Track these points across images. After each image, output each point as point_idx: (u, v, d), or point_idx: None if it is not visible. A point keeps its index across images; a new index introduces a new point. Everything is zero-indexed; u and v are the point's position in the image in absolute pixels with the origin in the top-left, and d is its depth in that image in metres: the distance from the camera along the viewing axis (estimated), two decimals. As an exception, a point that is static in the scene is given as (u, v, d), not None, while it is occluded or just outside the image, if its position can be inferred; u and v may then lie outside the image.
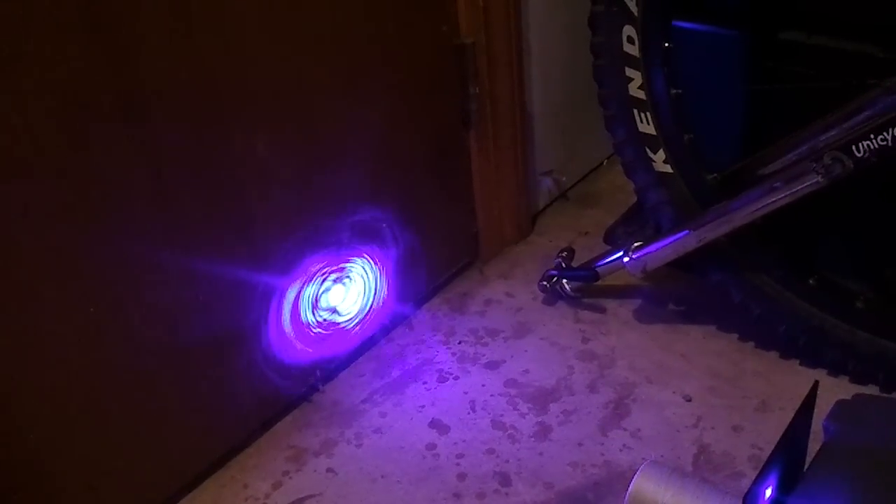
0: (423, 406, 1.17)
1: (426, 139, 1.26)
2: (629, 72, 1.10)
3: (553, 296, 1.33)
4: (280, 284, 1.09)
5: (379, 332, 1.28)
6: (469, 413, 1.15)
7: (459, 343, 1.27)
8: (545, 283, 1.31)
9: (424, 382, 1.21)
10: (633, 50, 1.08)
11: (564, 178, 1.52)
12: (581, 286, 1.30)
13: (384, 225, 1.23)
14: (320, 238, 1.13)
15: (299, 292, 1.12)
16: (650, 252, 1.16)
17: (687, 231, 1.12)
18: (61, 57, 0.81)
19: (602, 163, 1.64)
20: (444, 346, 1.27)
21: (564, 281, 1.30)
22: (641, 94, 1.10)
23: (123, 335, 0.93)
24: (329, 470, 1.08)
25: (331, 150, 1.11)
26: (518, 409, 1.15)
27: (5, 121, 0.78)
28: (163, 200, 0.93)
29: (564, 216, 1.53)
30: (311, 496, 1.05)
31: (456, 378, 1.21)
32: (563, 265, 1.32)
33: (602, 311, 1.31)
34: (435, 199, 1.31)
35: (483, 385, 1.19)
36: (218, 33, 0.93)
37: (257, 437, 1.13)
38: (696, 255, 1.15)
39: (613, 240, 1.38)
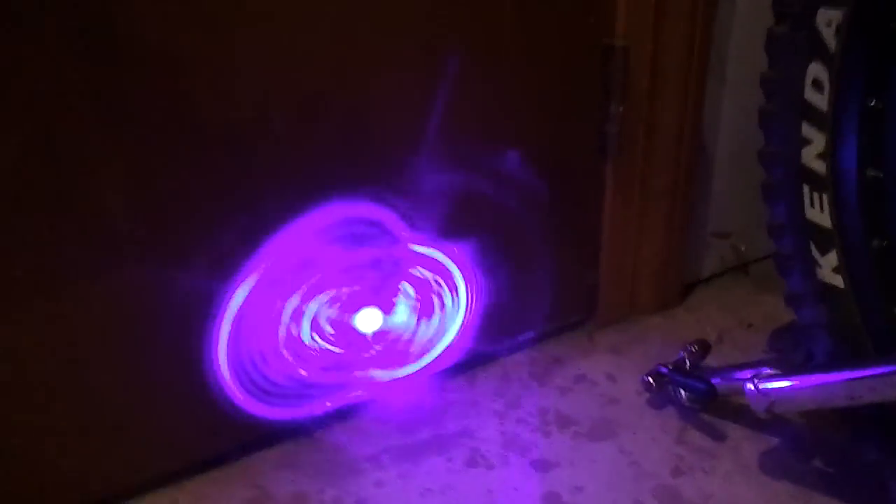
0: (429, 490, 0.91)
1: (546, 159, 0.98)
2: (807, 130, 0.74)
3: (662, 398, 1.00)
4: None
5: (431, 376, 1.03)
6: (479, 520, 0.88)
7: (517, 421, 0.99)
8: (650, 379, 0.98)
9: (449, 459, 0.95)
10: (818, 100, 0.73)
11: (745, 248, 1.15)
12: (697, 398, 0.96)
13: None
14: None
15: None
16: (781, 389, 0.80)
17: (840, 377, 0.75)
18: None
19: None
20: (497, 419, 0.99)
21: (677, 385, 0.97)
22: (819, 167, 0.75)
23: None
24: (280, 533, 0.87)
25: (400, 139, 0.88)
26: (542, 539, 0.86)
27: None
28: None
29: (732, 296, 1.17)
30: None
31: (489, 467, 0.94)
32: (685, 363, 0.98)
33: (720, 438, 0.96)
34: (546, 231, 1.02)
35: (515, 489, 0.91)
36: None
37: (231, 461, 0.95)
38: (851, 415, 0.78)
39: (781, 347, 1.01)
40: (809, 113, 0.73)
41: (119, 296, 0.79)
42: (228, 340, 0.83)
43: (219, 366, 0.84)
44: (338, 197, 0.87)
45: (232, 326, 0.83)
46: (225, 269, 0.84)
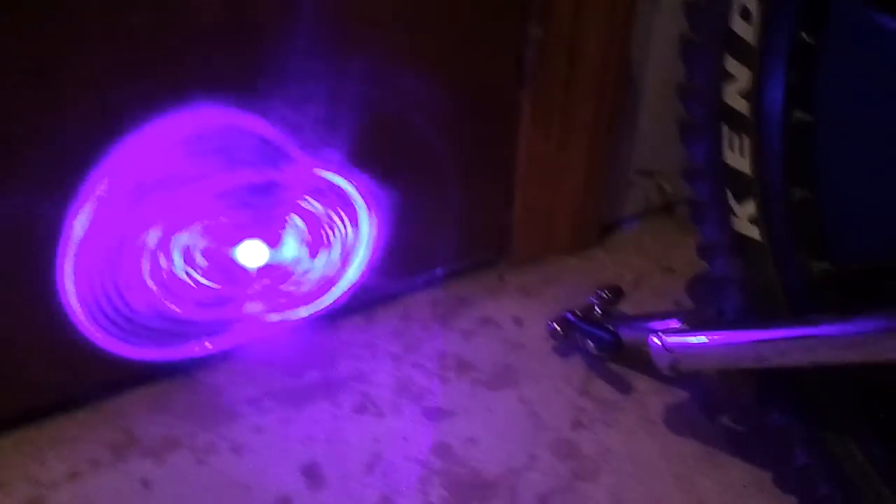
0: (311, 438, 0.84)
1: (457, 82, 0.89)
2: (731, 64, 0.66)
3: (569, 345, 0.94)
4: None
5: (324, 314, 0.95)
6: (363, 474, 0.81)
7: (413, 366, 0.92)
8: (556, 326, 0.92)
9: (337, 404, 0.88)
10: (745, 30, 0.64)
11: (671, 188, 1.08)
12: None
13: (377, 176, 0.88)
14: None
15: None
16: (686, 345, 0.74)
17: (750, 336, 0.69)
18: None
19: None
20: (392, 363, 0.92)
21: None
22: (742, 106, 0.67)
23: None
24: (144, 481, 0.80)
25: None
26: (428, 496, 0.80)
27: None
28: None
29: (653, 237, 1.10)
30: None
31: (378, 414, 0.87)
32: (594, 309, 0.92)
33: (625, 390, 0.90)
34: (456, 161, 0.94)
35: (405, 438, 0.85)
36: None
37: (97, 401, 0.87)
38: (760, 374, 0.73)
39: (699, 295, 0.95)
40: (735, 45, 0.65)
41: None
42: (76, 270, 0.73)
43: (67, 299, 0.74)
44: (210, 99, 0.76)
45: (78, 254, 0.73)
46: (65, 184, 0.72)
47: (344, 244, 0.90)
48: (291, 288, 0.89)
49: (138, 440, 0.83)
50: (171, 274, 0.82)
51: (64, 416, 0.85)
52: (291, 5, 0.76)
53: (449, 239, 0.99)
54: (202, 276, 0.84)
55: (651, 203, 1.11)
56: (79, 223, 0.72)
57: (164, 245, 0.80)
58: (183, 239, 0.81)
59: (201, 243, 0.82)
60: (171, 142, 0.75)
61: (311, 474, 0.81)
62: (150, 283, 0.80)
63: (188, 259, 0.82)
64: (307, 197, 0.85)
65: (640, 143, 1.04)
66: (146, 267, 0.79)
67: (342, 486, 0.80)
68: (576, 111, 0.95)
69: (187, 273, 0.83)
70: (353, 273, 0.90)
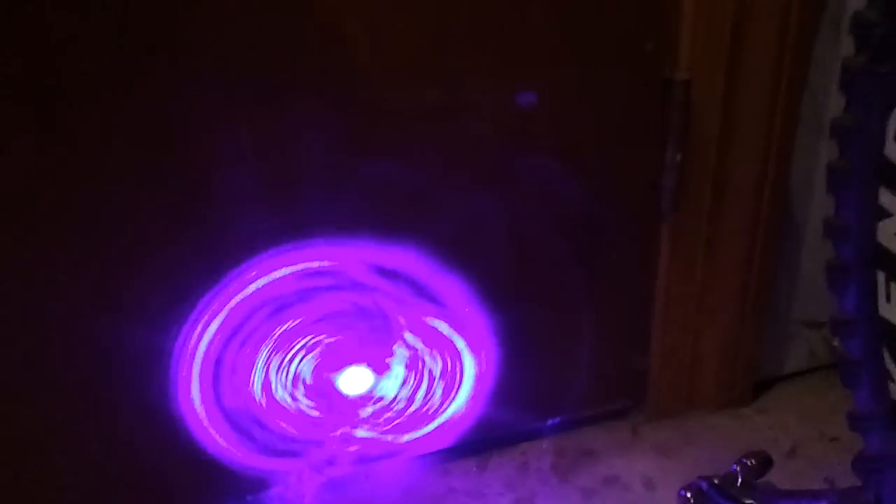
0: None
1: (587, 210, 0.82)
2: (886, 198, 0.55)
3: (705, 518, 0.80)
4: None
5: (437, 453, 0.88)
6: None
7: (523, 524, 0.82)
8: (689, 496, 0.79)
9: (430, 561, 0.79)
10: (906, 157, 0.54)
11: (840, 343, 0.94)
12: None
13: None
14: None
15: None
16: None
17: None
18: None
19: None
20: (501, 519, 0.83)
21: (720, 506, 0.77)
22: (904, 247, 0.55)
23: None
24: None
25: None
26: None
27: None
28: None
29: (818, 399, 0.95)
30: None
31: (476, 576, 0.77)
32: (736, 479, 0.78)
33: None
34: (585, 298, 0.86)
35: None
36: None
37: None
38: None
39: (865, 474, 0.80)
40: (891, 175, 0.54)
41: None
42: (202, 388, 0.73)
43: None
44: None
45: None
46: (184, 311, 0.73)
47: (451, 378, 0.83)
48: (395, 419, 0.83)
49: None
50: (272, 394, 0.78)
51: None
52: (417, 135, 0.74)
53: (574, 382, 0.89)
54: (305, 398, 0.80)
55: (817, 359, 0.96)
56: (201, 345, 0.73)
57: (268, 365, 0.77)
58: (286, 360, 0.78)
59: (306, 366, 0.79)
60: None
61: None
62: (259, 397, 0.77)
63: (294, 381, 0.79)
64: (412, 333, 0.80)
65: (804, 289, 0.91)
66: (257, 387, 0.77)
67: None
68: (723, 248, 0.84)
69: (290, 395, 0.79)
70: (458, 409, 0.83)
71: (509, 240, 0.81)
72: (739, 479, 0.79)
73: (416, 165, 0.74)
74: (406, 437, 0.83)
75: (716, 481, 0.79)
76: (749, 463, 0.80)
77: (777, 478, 0.83)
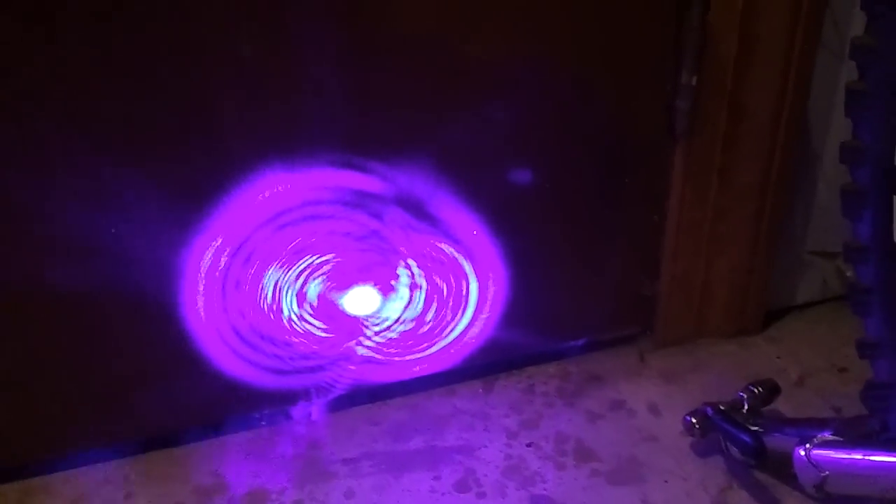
0: (403, 510, 0.77)
1: (599, 132, 0.80)
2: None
3: (709, 443, 0.81)
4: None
5: (443, 374, 0.88)
6: (448, 558, 0.73)
7: (528, 445, 0.83)
8: (693, 421, 0.79)
9: (436, 477, 0.80)
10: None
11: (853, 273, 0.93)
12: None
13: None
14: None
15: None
16: (836, 461, 0.60)
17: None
18: None
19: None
20: (505, 439, 0.83)
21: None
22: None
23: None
24: (221, 535, 0.75)
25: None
26: None
27: None
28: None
29: (829, 329, 0.94)
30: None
31: (480, 495, 0.78)
32: (742, 406, 0.79)
33: (774, 506, 0.76)
34: (595, 222, 0.85)
35: (503, 527, 0.75)
36: None
37: (200, 438, 0.84)
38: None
39: (873, 402, 0.79)
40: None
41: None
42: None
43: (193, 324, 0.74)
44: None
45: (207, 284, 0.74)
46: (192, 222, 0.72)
47: (457, 300, 0.83)
48: (401, 340, 0.84)
49: (226, 487, 0.79)
50: (279, 312, 0.79)
51: (160, 451, 0.83)
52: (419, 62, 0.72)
53: (584, 308, 0.89)
54: (312, 318, 0.80)
55: (830, 290, 0.96)
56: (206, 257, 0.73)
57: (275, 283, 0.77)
58: (293, 278, 0.78)
59: (313, 285, 0.79)
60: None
61: (394, 552, 0.73)
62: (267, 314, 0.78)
63: (300, 299, 0.79)
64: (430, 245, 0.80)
65: (818, 217, 0.90)
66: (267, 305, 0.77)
67: (424, 570, 0.72)
68: (737, 174, 0.83)
69: (296, 316, 0.80)
70: (464, 330, 0.83)
71: (518, 161, 0.80)
72: (745, 406, 0.79)
73: (421, 79, 0.72)
74: (412, 357, 0.84)
75: (721, 407, 0.79)
76: (756, 390, 0.80)
77: (784, 407, 0.84)
